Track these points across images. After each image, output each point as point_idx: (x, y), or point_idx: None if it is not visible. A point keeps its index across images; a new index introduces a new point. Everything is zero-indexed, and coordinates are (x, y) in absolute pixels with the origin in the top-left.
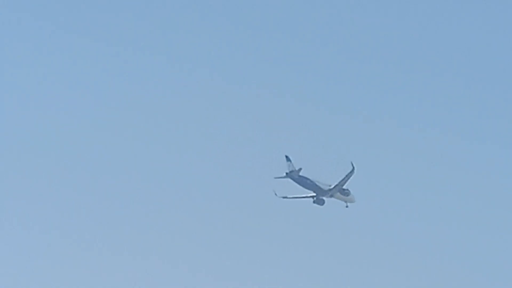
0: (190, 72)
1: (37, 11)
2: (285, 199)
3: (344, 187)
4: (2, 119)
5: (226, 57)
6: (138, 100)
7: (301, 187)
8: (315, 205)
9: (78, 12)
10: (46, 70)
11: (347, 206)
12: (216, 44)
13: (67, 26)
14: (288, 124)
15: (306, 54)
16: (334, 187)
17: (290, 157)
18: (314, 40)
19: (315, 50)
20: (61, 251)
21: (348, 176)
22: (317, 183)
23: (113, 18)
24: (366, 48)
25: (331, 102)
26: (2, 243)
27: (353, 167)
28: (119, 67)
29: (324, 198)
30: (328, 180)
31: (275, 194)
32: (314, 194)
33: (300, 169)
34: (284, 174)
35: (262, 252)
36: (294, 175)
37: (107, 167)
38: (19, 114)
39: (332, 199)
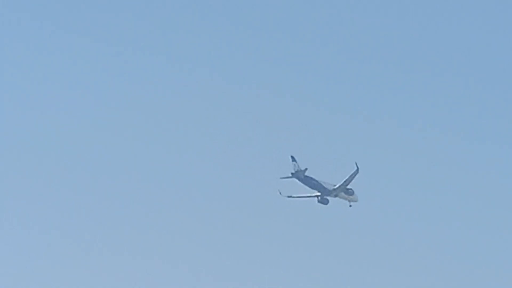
0: (191, 72)
1: (37, 11)
2: (290, 198)
3: (348, 186)
4: (2, 119)
5: (227, 57)
6: (138, 100)
7: (306, 187)
8: (320, 204)
9: (78, 12)
10: (46, 70)
11: (350, 206)
12: (216, 44)
13: (67, 26)
14: (294, 125)
15: (307, 54)
16: (339, 187)
17: (296, 158)
18: (314, 40)
19: (315, 50)
20: (61, 251)
21: (352, 176)
22: (322, 183)
23: (113, 18)
24: (366, 48)
25: (336, 103)
26: (2, 243)
27: (357, 168)
28: (119, 67)
29: (328, 197)
30: (333, 180)
31: (280, 193)
32: (319, 194)
33: (306, 169)
34: (290, 174)
35: (266, 250)
36: (300, 175)
37: (107, 167)
38: (19, 114)
39: (336, 198)
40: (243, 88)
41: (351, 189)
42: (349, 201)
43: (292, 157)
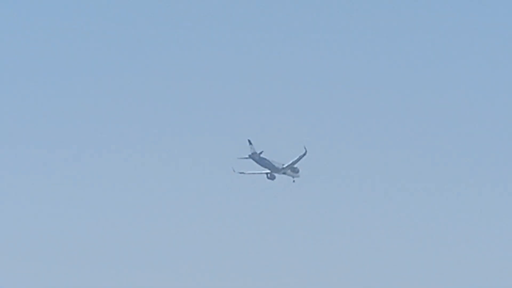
0: (156, 61)
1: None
2: (242, 174)
3: (295, 166)
4: (2, 118)
5: (190, 45)
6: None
7: (259, 166)
8: (268, 180)
9: (78, 12)
10: (45, 70)
11: (293, 181)
12: (178, 31)
13: (66, 26)
14: (252, 112)
15: (265, 45)
16: (287, 166)
17: (252, 141)
18: (266, 28)
19: (271, 39)
20: (61, 251)
21: (300, 157)
22: (273, 163)
23: (113, 18)
24: (318, 38)
25: (289, 93)
26: (2, 243)
27: (306, 150)
28: (117, 67)
29: (276, 174)
30: (282, 160)
31: (233, 170)
32: (269, 171)
33: (262, 152)
34: (247, 156)
35: (221, 215)
36: (255, 157)
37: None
38: (19, 113)
39: (283, 175)
40: (210, 78)
41: (297, 167)
42: (293, 176)
43: (249, 140)
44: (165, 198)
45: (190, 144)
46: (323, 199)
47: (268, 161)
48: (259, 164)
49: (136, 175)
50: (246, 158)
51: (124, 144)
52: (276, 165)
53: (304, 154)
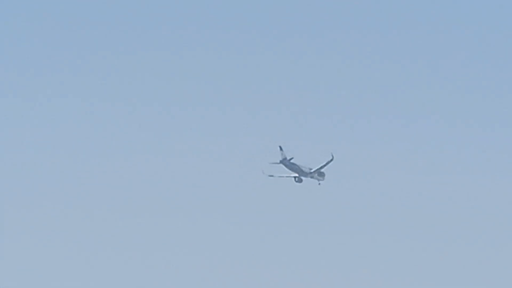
0: (186, 63)
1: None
2: (271, 177)
3: (322, 170)
4: (2, 119)
5: (221, 51)
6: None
7: (289, 170)
8: (296, 182)
9: (77, 12)
10: (44, 71)
11: (319, 184)
12: (210, 35)
13: (65, 27)
14: (283, 120)
15: (297, 53)
16: (315, 171)
17: (283, 147)
18: (300, 34)
19: (302, 46)
20: (61, 251)
21: (327, 163)
22: (302, 167)
23: (112, 18)
24: (351, 47)
25: (318, 102)
26: (2, 243)
27: (333, 157)
28: (116, 68)
29: (303, 178)
30: (309, 164)
31: (263, 172)
32: (297, 175)
33: (292, 158)
34: (278, 161)
35: (251, 215)
36: (286, 162)
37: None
38: (19, 115)
39: (310, 179)
40: (244, 86)
41: (323, 172)
42: (318, 180)
43: (280, 147)
44: (196, 197)
45: (227, 150)
46: (347, 201)
47: (297, 166)
48: (289, 168)
49: (173, 174)
50: (277, 163)
51: (156, 146)
52: (304, 169)
53: (331, 160)
